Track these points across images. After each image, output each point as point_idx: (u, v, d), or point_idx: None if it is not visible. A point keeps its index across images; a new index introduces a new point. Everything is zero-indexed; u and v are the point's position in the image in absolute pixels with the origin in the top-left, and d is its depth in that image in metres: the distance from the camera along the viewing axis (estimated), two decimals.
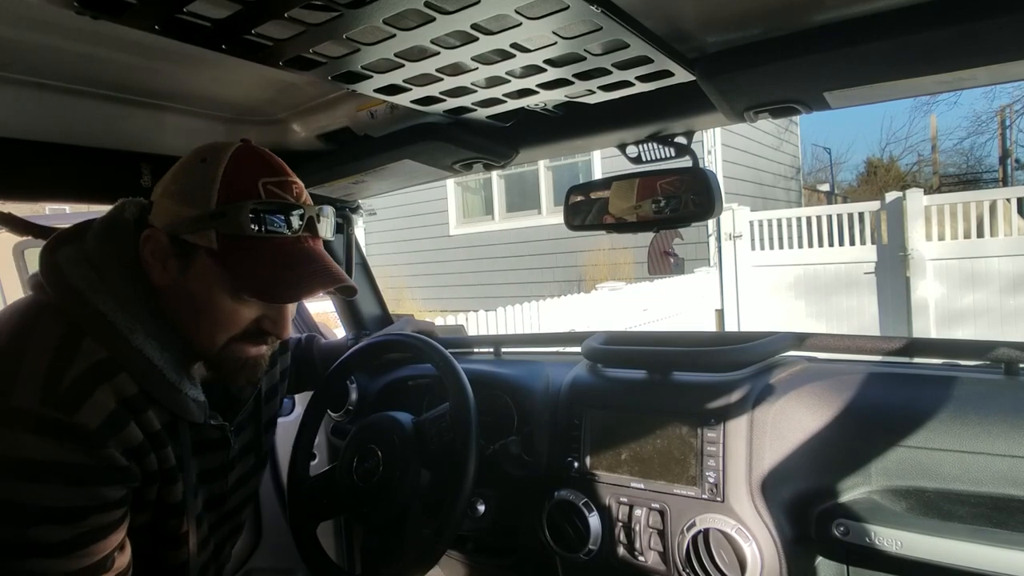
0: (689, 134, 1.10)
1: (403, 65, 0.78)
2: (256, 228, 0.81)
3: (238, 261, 0.82)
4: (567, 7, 0.64)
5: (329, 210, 0.92)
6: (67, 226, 0.97)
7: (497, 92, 0.90)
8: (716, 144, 7.57)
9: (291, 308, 0.90)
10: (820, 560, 0.96)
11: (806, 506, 0.96)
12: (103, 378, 0.77)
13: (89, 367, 0.77)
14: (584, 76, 0.85)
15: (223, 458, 0.99)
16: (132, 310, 0.82)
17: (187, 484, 0.89)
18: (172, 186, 0.85)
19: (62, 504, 0.73)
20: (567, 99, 0.95)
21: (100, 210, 0.94)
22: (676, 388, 1.12)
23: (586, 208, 1.20)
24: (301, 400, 1.60)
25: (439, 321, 4.73)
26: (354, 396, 1.53)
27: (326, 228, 0.90)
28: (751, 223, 7.26)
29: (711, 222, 6.91)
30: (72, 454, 0.73)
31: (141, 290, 0.85)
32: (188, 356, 0.87)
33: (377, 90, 0.86)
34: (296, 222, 0.84)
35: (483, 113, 1.00)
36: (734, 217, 7.17)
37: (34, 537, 0.71)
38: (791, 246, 7.15)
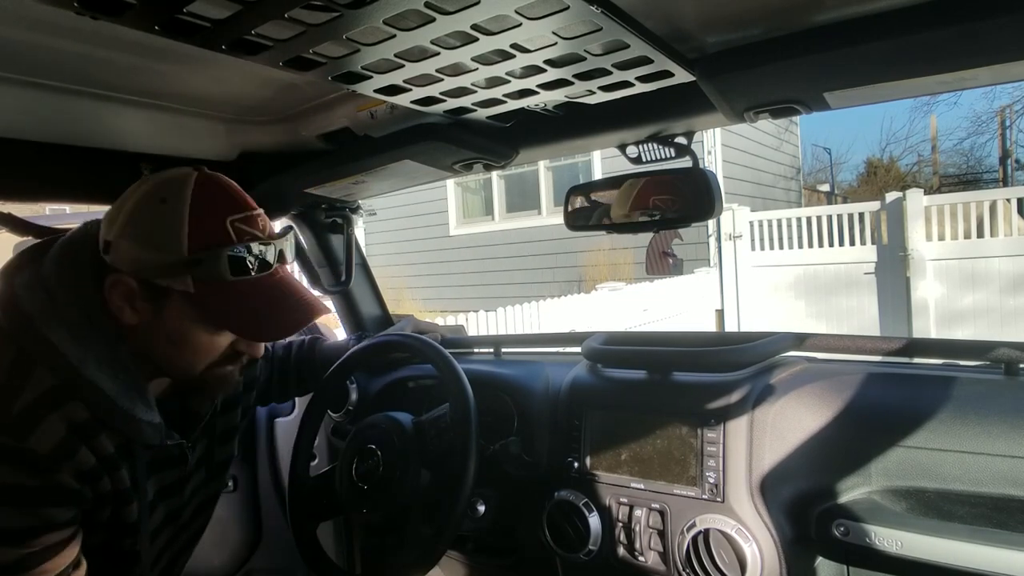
0: (689, 134, 1.10)
1: (403, 65, 0.78)
2: (235, 274, 0.82)
3: (218, 303, 0.83)
4: (567, 7, 0.64)
5: (291, 234, 0.93)
6: (66, 226, 0.97)
7: (497, 92, 0.90)
8: (716, 144, 7.56)
9: None
10: (820, 560, 0.96)
11: (806, 506, 0.96)
12: (53, 406, 0.78)
13: (39, 395, 0.78)
14: (584, 76, 0.85)
15: (180, 473, 0.98)
16: (83, 339, 0.81)
17: (142, 504, 0.90)
18: (132, 228, 0.83)
19: (14, 526, 0.74)
20: (567, 99, 0.95)
21: (101, 210, 0.95)
22: (676, 388, 1.12)
23: (586, 208, 1.20)
24: (301, 400, 1.60)
25: (439, 321, 4.72)
26: (354, 396, 1.53)
27: (290, 252, 0.92)
28: (751, 223, 7.26)
29: (711, 222, 6.91)
30: (24, 478, 0.75)
31: (96, 316, 0.84)
32: (143, 379, 0.87)
33: (377, 90, 0.86)
34: (271, 259, 0.86)
35: (483, 113, 1.00)
36: (734, 217, 7.17)
37: None
38: (791, 246, 7.15)
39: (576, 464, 1.17)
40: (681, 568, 1.01)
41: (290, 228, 0.96)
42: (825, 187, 14.60)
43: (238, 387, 1.14)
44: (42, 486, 0.76)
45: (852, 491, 0.94)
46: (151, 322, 0.84)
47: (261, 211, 0.90)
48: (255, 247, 0.84)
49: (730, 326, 7.22)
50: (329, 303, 1.71)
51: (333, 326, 1.95)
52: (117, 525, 0.88)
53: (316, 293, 1.10)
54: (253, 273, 0.84)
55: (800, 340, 1.12)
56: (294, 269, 1.04)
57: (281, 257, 0.88)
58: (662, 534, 1.04)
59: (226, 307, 0.83)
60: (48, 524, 0.76)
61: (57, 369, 0.79)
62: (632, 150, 1.15)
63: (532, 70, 0.82)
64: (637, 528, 1.06)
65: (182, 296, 0.82)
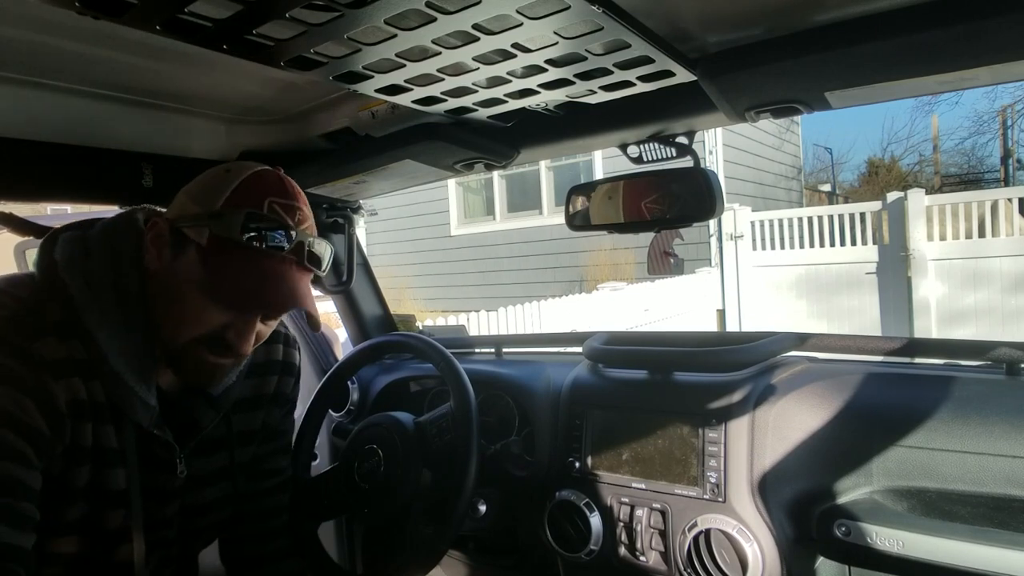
0: (690, 134, 1.10)
1: (404, 65, 0.78)
2: (245, 236, 0.83)
3: (220, 263, 0.84)
4: (568, 7, 0.64)
5: (325, 245, 0.92)
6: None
7: (498, 92, 0.90)
8: (717, 144, 7.56)
9: (259, 327, 0.89)
10: (821, 560, 0.96)
11: (807, 506, 0.96)
12: (59, 333, 0.81)
13: (50, 321, 0.81)
14: (585, 76, 0.85)
15: (167, 483, 0.93)
16: (98, 294, 0.84)
17: (131, 476, 0.87)
18: (193, 186, 0.89)
19: None
20: (568, 99, 0.95)
21: (101, 210, 0.95)
22: (677, 388, 1.12)
23: (588, 208, 1.20)
24: (302, 400, 1.60)
25: (440, 321, 4.72)
26: (355, 396, 1.53)
27: (319, 260, 0.90)
28: (752, 223, 7.26)
29: (712, 222, 6.90)
30: (22, 370, 0.76)
31: (122, 283, 0.86)
32: (149, 355, 0.86)
33: (378, 90, 0.86)
34: (286, 243, 0.86)
35: (484, 113, 1.00)
36: (735, 217, 7.16)
37: None
38: (792, 246, 7.14)
39: (577, 464, 1.17)
40: (682, 568, 1.01)
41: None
42: (826, 187, 14.61)
43: (255, 422, 1.08)
44: (35, 387, 0.76)
45: (853, 491, 0.93)
46: (166, 271, 0.86)
47: (308, 212, 0.91)
48: (278, 223, 0.86)
49: (731, 326, 7.22)
50: (330, 303, 1.72)
51: (334, 326, 1.95)
52: (101, 492, 0.84)
53: (317, 293, 1.09)
54: (263, 244, 0.84)
55: (801, 340, 1.12)
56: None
57: (299, 251, 0.88)
58: (663, 534, 1.04)
59: (224, 269, 0.84)
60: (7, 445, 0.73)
61: (65, 311, 0.82)
62: (633, 150, 1.15)
63: (533, 70, 0.82)
64: (638, 528, 1.06)
65: (196, 249, 0.85)
